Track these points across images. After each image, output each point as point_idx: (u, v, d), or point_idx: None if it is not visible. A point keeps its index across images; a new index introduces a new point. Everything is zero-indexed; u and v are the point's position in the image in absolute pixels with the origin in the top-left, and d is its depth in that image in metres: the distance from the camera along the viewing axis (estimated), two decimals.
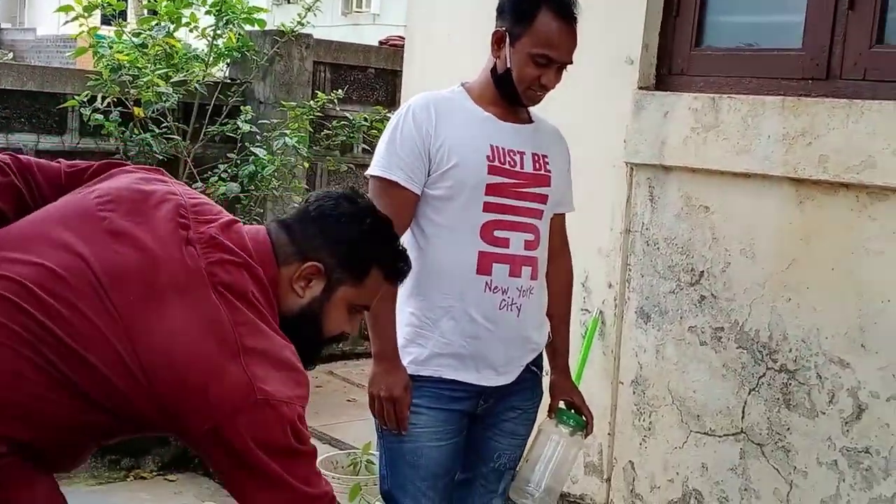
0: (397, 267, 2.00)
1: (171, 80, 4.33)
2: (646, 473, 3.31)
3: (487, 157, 2.49)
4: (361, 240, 1.92)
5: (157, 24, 4.41)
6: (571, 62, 2.49)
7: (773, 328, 2.90)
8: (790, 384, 2.87)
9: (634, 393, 3.33)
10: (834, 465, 2.77)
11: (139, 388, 1.68)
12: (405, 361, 2.51)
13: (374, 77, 5.78)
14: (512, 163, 2.53)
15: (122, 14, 5.21)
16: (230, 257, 1.79)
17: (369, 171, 2.56)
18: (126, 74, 4.34)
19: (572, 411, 2.72)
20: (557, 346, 2.79)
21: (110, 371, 1.67)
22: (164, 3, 4.45)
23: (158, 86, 4.22)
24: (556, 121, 2.73)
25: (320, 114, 4.98)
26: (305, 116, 4.73)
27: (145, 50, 4.41)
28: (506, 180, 2.51)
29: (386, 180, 2.49)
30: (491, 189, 2.49)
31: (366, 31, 19.14)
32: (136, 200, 1.83)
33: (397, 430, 2.50)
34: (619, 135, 3.27)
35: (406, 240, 2.59)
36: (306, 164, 5.07)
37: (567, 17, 2.45)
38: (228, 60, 5.10)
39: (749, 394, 2.98)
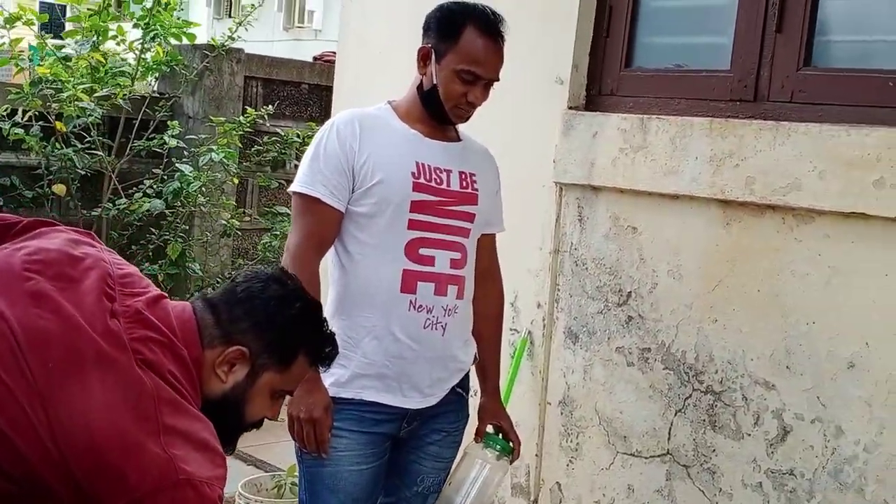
0: (325, 352, 1.95)
1: (96, 95, 4.21)
2: (573, 495, 3.27)
3: (412, 173, 2.45)
4: (289, 324, 1.86)
5: (81, 37, 4.29)
6: (498, 79, 2.46)
7: (699, 349, 2.89)
8: (716, 405, 2.86)
9: (562, 413, 3.29)
10: (759, 488, 2.76)
11: (49, 460, 1.58)
12: (326, 383, 2.44)
13: (307, 93, 5.71)
14: (438, 180, 2.49)
15: (59, 25, 5.07)
16: (154, 335, 1.72)
17: (292, 188, 2.50)
18: (48, 88, 4.21)
19: (500, 436, 2.68)
20: (487, 367, 2.75)
21: (19, 437, 1.57)
22: (90, 16, 4.33)
23: (81, 100, 4.09)
24: (486, 139, 2.70)
25: (251, 129, 4.90)
26: (235, 132, 4.64)
27: (68, 63, 4.28)
28: (431, 198, 2.47)
29: (308, 197, 2.43)
30: (416, 206, 2.45)
31: (307, 46, 19.06)
32: (64, 264, 1.75)
33: (317, 454, 2.43)
34: (549, 155, 3.25)
35: (330, 258, 2.53)
36: (236, 180, 4.98)
37: (493, 34, 2.43)
38: (157, 75, 4.98)
39: (675, 415, 2.96)
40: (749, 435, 2.78)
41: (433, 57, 2.44)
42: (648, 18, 3.16)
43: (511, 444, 2.68)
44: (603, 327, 3.15)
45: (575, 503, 3.26)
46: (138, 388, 1.64)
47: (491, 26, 2.43)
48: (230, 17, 24.60)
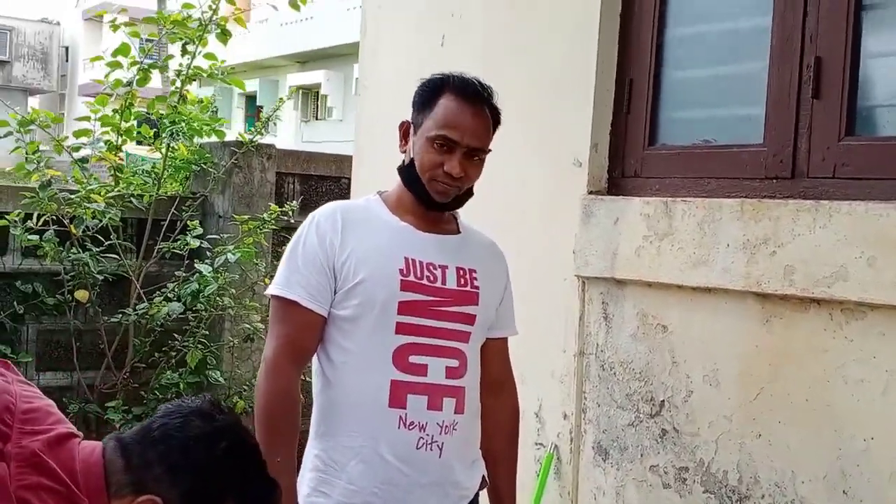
0: (259, 499, 1.62)
1: (109, 195, 4.04)
2: None
3: (400, 270, 2.15)
4: (211, 469, 1.56)
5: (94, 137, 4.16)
6: (480, 147, 2.16)
7: (742, 469, 2.45)
8: None
9: None
10: None
11: None
12: None
13: (347, 187, 5.48)
14: (431, 277, 2.18)
15: None
16: (49, 483, 1.49)
17: (268, 290, 2.22)
18: (61, 191, 4.06)
19: None
20: (501, 490, 2.38)
21: None
22: (101, 114, 4.20)
23: (94, 201, 3.92)
24: (498, 232, 2.40)
25: (279, 227, 4.67)
26: (260, 230, 4.41)
27: (85, 164, 4.14)
28: (423, 297, 2.15)
29: (285, 300, 2.15)
30: (405, 307, 2.14)
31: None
32: None
33: None
34: (569, 245, 2.90)
35: (313, 369, 2.23)
36: (266, 281, 4.73)
37: (470, 98, 2.15)
38: (186, 174, 4.83)
39: None
40: None
41: (412, 130, 2.17)
42: (673, 91, 2.82)
43: None
44: (635, 442, 2.74)
45: None
46: None
47: (469, 90, 2.16)
48: (317, 118, 25.13)
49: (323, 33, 22.56)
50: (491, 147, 2.20)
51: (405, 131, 2.23)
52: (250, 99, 24.82)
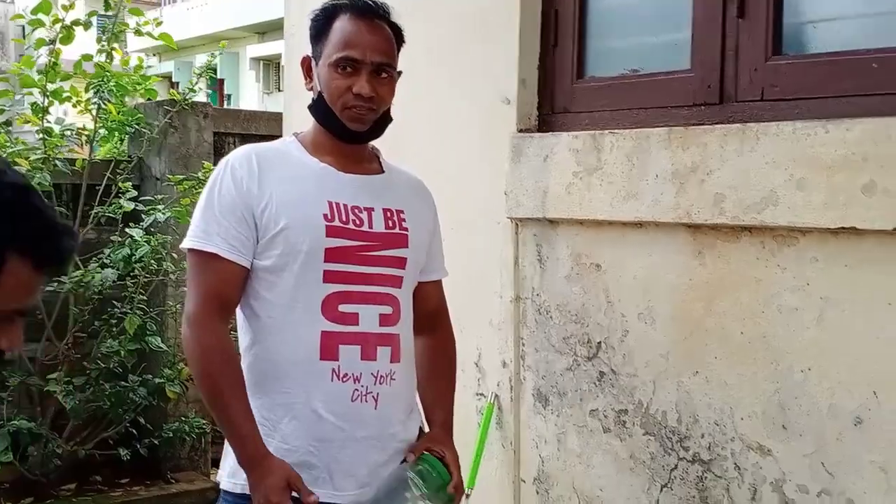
0: (49, 245, 1.42)
1: (33, 158, 3.87)
2: None
3: (325, 215, 2.02)
4: None
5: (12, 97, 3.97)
6: (385, 61, 2.03)
7: (681, 409, 2.37)
8: (705, 478, 2.32)
9: (538, 493, 2.78)
10: None
11: None
12: (244, 478, 2.00)
13: None
14: (357, 221, 2.06)
15: None
16: None
17: (184, 244, 2.07)
18: None
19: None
20: (437, 401, 2.24)
21: None
22: (23, 76, 4.01)
23: (17, 165, 3.75)
24: (428, 172, 2.27)
25: None
26: (196, 190, 4.26)
27: (7, 127, 3.96)
28: (350, 243, 2.03)
29: (204, 253, 2.01)
30: (332, 255, 2.01)
31: None
32: None
33: None
34: (501, 187, 2.78)
35: (238, 325, 2.11)
36: None
37: (365, 14, 2.04)
38: (122, 136, 4.65)
39: (661, 491, 2.43)
40: None
41: (313, 64, 2.06)
42: (600, 20, 2.70)
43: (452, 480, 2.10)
44: (574, 387, 2.64)
45: None
46: None
47: (361, 7, 2.04)
48: (279, 90, 24.74)
49: (281, 3, 22.12)
50: (400, 68, 2.06)
51: (307, 67, 2.10)
52: (211, 72, 24.42)
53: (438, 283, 2.28)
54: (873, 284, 1.97)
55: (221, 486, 2.11)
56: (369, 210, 2.08)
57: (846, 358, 2.02)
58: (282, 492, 1.94)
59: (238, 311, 2.09)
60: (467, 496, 2.85)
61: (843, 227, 1.98)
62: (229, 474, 2.08)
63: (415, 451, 2.10)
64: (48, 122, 4.22)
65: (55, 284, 4.18)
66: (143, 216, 4.24)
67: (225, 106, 20.21)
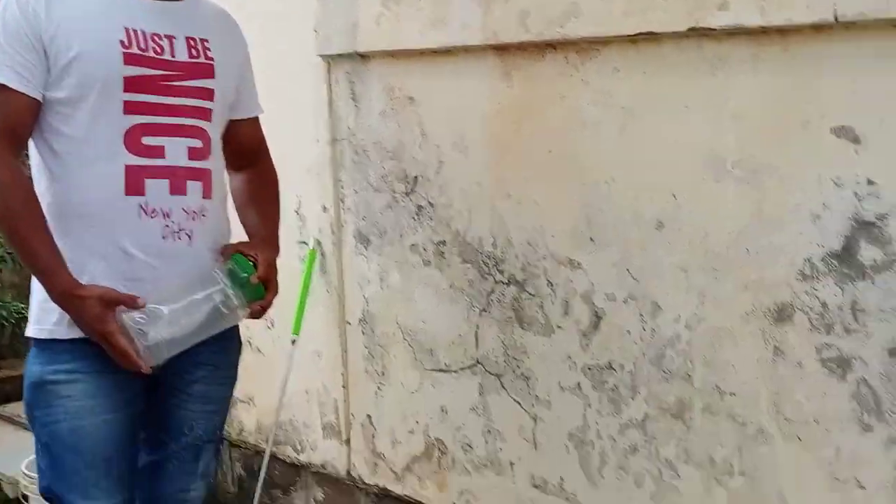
0: None
1: None
2: (385, 428, 2.77)
3: (121, 42, 1.87)
4: None
5: None
6: None
7: (496, 234, 2.39)
8: (521, 298, 2.36)
9: (364, 333, 2.78)
10: (577, 389, 2.29)
11: None
12: (51, 323, 1.91)
13: None
14: (158, 49, 1.92)
15: None
16: None
17: None
18: None
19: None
20: (260, 223, 2.17)
21: None
22: None
23: None
24: (234, 9, 2.13)
25: None
26: None
27: None
28: (150, 72, 1.90)
29: None
30: (131, 84, 1.88)
31: None
32: None
33: (139, 369, 1.88)
34: (311, 24, 2.68)
35: (33, 165, 1.96)
36: None
37: None
38: None
39: (480, 315, 2.46)
40: (560, 328, 2.30)
41: None
42: None
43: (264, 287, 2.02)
44: (393, 224, 2.63)
45: (388, 437, 2.77)
46: None
47: None
48: None
49: None
50: None
51: None
52: None
53: (255, 121, 2.20)
54: (671, 89, 2.00)
55: (28, 335, 2.00)
56: (170, 38, 1.95)
57: (648, 165, 2.07)
58: (103, 318, 1.85)
59: (33, 151, 1.96)
60: (293, 342, 2.83)
61: (642, 33, 1.99)
62: (35, 321, 1.97)
63: (224, 251, 2.04)
64: None
65: None
66: None
67: None
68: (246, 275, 1.97)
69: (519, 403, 2.42)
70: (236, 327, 2.16)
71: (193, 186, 1.97)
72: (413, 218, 2.57)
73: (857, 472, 1.86)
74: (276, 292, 2.05)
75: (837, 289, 1.82)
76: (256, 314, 2.06)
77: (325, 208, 2.81)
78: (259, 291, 2.01)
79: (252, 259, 2.03)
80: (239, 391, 3.16)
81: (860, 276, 1.79)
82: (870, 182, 1.75)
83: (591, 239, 2.19)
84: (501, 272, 2.39)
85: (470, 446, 2.55)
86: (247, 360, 3.07)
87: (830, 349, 1.86)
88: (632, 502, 2.23)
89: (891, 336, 1.77)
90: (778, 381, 1.94)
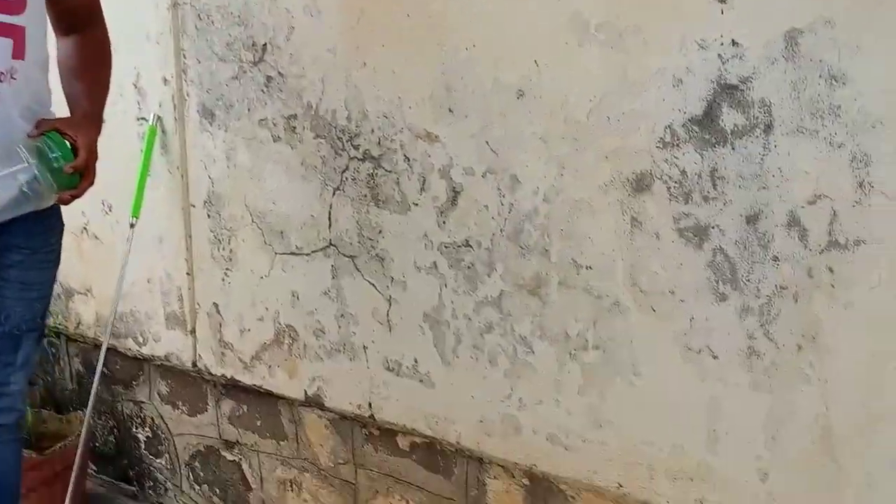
0: None
1: None
2: (233, 316, 2.63)
3: None
4: None
5: None
6: None
7: (350, 106, 2.25)
8: (376, 175, 2.25)
9: (209, 216, 2.61)
10: (433, 269, 2.20)
11: None
12: None
13: None
14: None
15: None
16: None
17: None
18: None
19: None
20: (85, 98, 2.00)
21: None
22: None
23: None
24: None
25: None
26: None
27: None
28: None
29: None
30: None
31: None
32: None
33: None
34: None
35: None
36: None
37: None
38: None
39: (334, 195, 2.34)
40: (416, 205, 2.20)
41: None
42: None
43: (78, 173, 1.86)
44: (240, 97, 2.45)
45: (237, 325, 2.63)
46: None
47: None
48: None
49: None
50: None
51: None
52: None
53: None
54: None
55: None
56: None
57: (509, 29, 1.96)
58: None
59: None
60: (131, 226, 2.64)
61: None
62: None
63: (38, 126, 1.85)
64: None
65: None
66: None
67: None
68: (58, 162, 1.78)
69: (373, 285, 2.32)
70: (57, 206, 1.98)
71: (3, 43, 1.78)
72: (262, 90, 2.40)
73: (711, 342, 1.85)
74: (92, 181, 1.89)
75: (697, 156, 1.78)
76: (65, 201, 1.90)
77: (165, 80, 2.60)
78: (73, 180, 1.84)
79: (70, 140, 1.85)
80: (75, 282, 2.97)
81: (721, 142, 1.75)
82: (734, 43, 1.70)
83: (450, 110, 2.09)
84: (356, 147, 2.27)
85: (322, 331, 2.45)
86: (83, 248, 2.88)
87: (688, 218, 1.82)
88: (485, 381, 2.18)
89: (748, 203, 1.74)
90: (634, 252, 1.90)
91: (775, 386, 1.79)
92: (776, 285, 1.75)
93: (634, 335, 1.95)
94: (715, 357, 1.85)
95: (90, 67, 2.04)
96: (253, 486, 2.76)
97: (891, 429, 1.69)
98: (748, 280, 1.77)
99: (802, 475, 1.80)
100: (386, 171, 2.23)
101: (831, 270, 1.68)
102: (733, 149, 1.73)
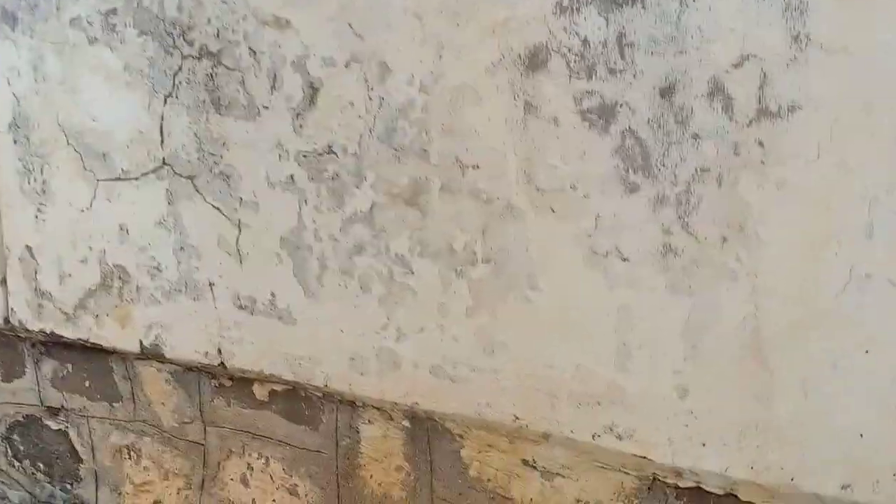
0: None
1: None
2: (50, 260, 2.23)
3: None
4: None
5: None
6: None
7: None
8: (216, 74, 1.90)
9: (17, 142, 2.19)
10: (291, 184, 1.88)
11: None
12: None
13: None
14: None
15: None
16: None
17: None
18: None
19: None
20: None
21: None
22: None
23: None
24: None
25: None
26: None
27: None
28: None
29: None
30: None
31: None
32: None
33: None
34: None
35: None
36: None
37: None
38: None
39: (165, 103, 1.97)
40: (266, 108, 1.86)
41: None
42: None
43: None
44: None
45: (54, 271, 2.23)
46: None
47: None
48: None
49: None
50: None
51: None
52: None
53: None
54: None
55: None
56: None
57: None
58: None
59: None
60: None
61: None
62: None
63: None
64: None
65: None
66: None
67: None
68: None
69: (219, 210, 1.97)
70: None
71: None
72: None
73: (620, 242, 1.60)
74: None
75: (602, 20, 1.52)
76: None
77: None
78: None
79: None
80: None
81: (629, 1, 1.49)
82: None
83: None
84: (190, 43, 1.90)
85: (158, 269, 2.08)
86: None
87: (592, 97, 1.56)
88: (357, 311, 1.87)
89: (663, 73, 1.50)
90: (529, 143, 1.63)
91: (696, 287, 1.56)
92: (696, 168, 1.51)
93: (530, 242, 1.68)
94: (625, 259, 1.60)
95: None
96: (83, 458, 2.36)
97: (829, 325, 1.48)
98: (663, 165, 1.53)
99: (728, 387, 1.58)
100: (228, 69, 1.88)
101: (761, 144, 1.45)
102: (644, 7, 1.48)
